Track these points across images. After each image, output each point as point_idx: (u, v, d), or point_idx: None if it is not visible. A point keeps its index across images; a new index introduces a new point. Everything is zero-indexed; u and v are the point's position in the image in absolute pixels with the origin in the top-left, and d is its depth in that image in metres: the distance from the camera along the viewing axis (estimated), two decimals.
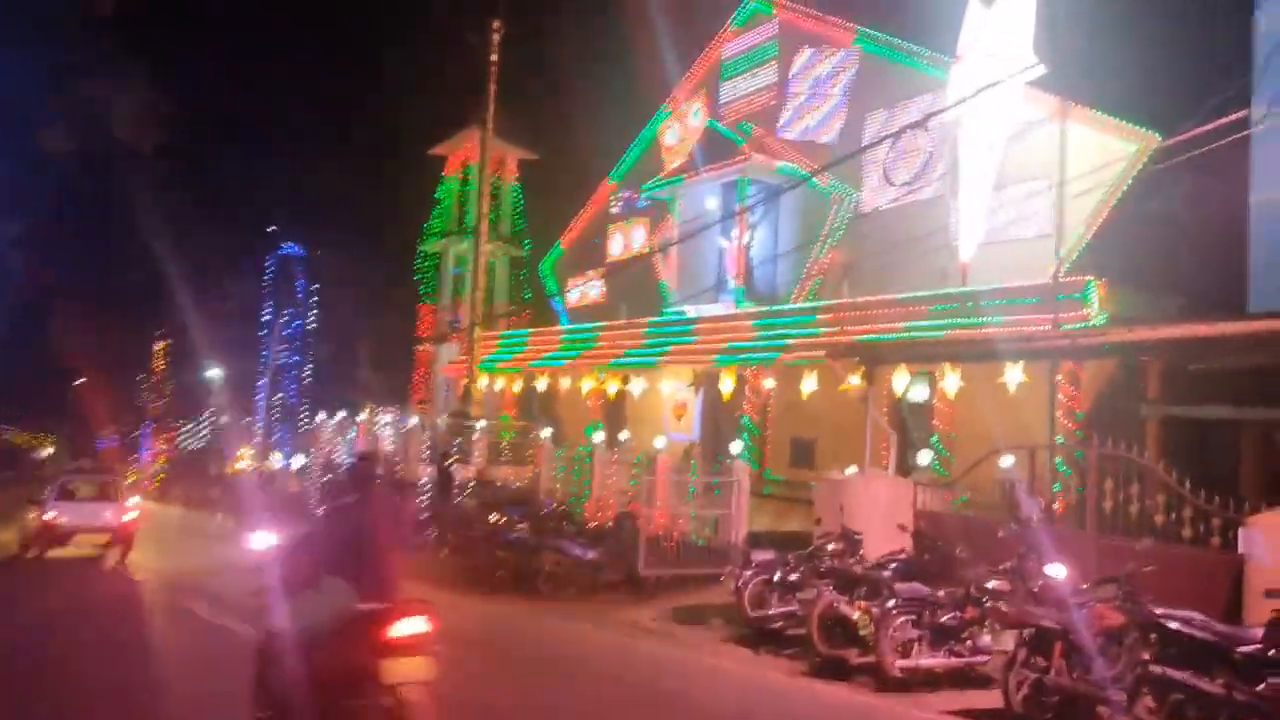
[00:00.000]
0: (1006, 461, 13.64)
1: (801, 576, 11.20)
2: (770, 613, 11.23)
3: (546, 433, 20.07)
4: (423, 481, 23.83)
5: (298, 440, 55.38)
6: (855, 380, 19.40)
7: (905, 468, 15.00)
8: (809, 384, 19.77)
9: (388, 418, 26.50)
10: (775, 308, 21.93)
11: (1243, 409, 12.60)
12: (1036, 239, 18.33)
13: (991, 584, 9.40)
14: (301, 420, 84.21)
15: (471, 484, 23.61)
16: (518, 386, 30.61)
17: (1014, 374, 15.69)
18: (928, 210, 20.81)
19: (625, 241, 30.85)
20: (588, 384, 27.09)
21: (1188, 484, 10.29)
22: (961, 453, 16.89)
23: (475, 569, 15.93)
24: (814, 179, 23.23)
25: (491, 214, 36.53)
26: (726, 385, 21.79)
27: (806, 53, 24.71)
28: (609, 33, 50.77)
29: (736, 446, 14.40)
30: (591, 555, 14.84)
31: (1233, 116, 14.52)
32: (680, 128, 29.00)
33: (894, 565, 10.66)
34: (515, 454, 25.83)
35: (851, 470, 12.62)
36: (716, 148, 25.44)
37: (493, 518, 18.23)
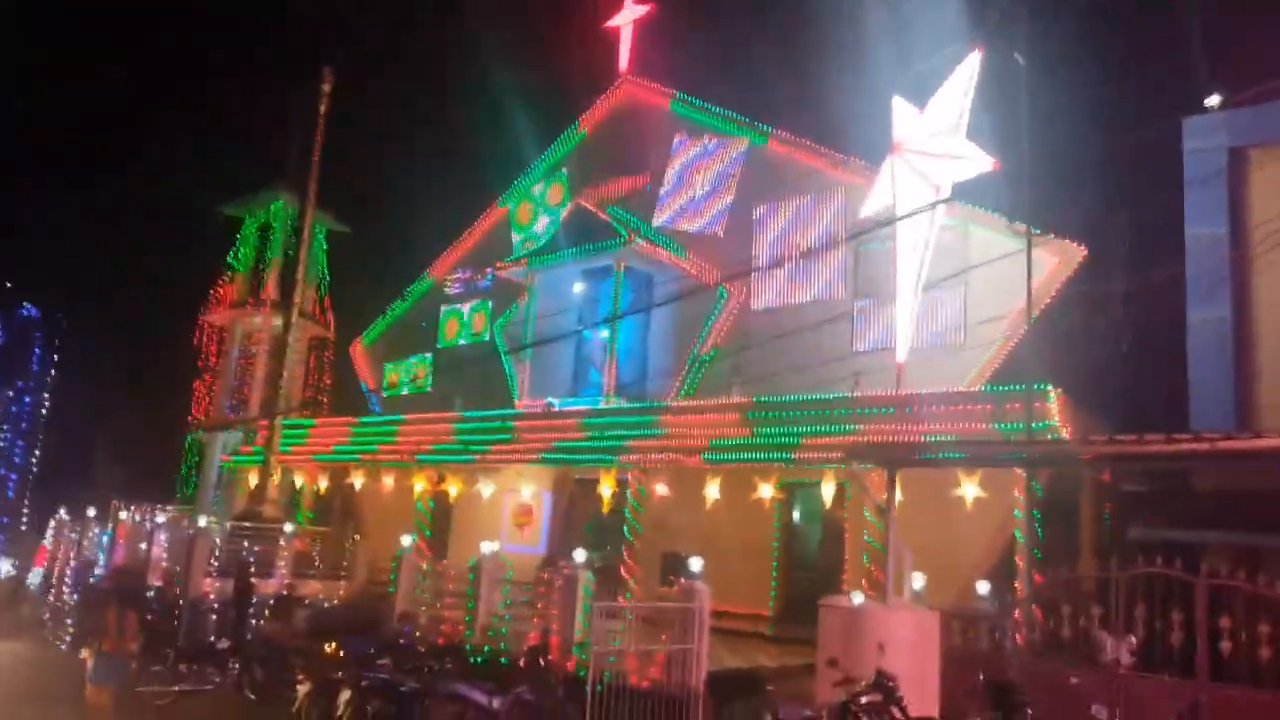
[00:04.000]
0: (983, 588, 11.88)
1: None
2: None
3: (408, 540, 16.36)
4: (209, 600, 18.98)
5: (18, 543, 45.60)
6: (768, 491, 17.46)
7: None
8: (713, 491, 17.54)
9: (161, 518, 21.36)
10: (690, 404, 19.50)
11: (1246, 535, 11.52)
12: (950, 348, 17.40)
13: None
14: (23, 519, 69.56)
15: (271, 603, 19.14)
16: (324, 484, 26.10)
17: (970, 488, 14.21)
18: (829, 311, 19.54)
19: (463, 326, 27.66)
20: (419, 485, 23.31)
21: None
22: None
23: None
24: (694, 275, 21.64)
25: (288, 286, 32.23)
26: (605, 490, 19.02)
27: (688, 143, 23.34)
28: (441, 103, 47.97)
29: (696, 564, 11.70)
30: (496, 704, 11.40)
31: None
32: (534, 208, 26.63)
33: None
34: (328, 565, 21.43)
35: (858, 598, 10.30)
36: (584, 231, 23.25)
37: (329, 647, 14.30)
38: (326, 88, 26.11)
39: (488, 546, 14.64)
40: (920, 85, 17.20)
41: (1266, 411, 14.18)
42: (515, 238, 26.80)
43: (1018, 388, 14.15)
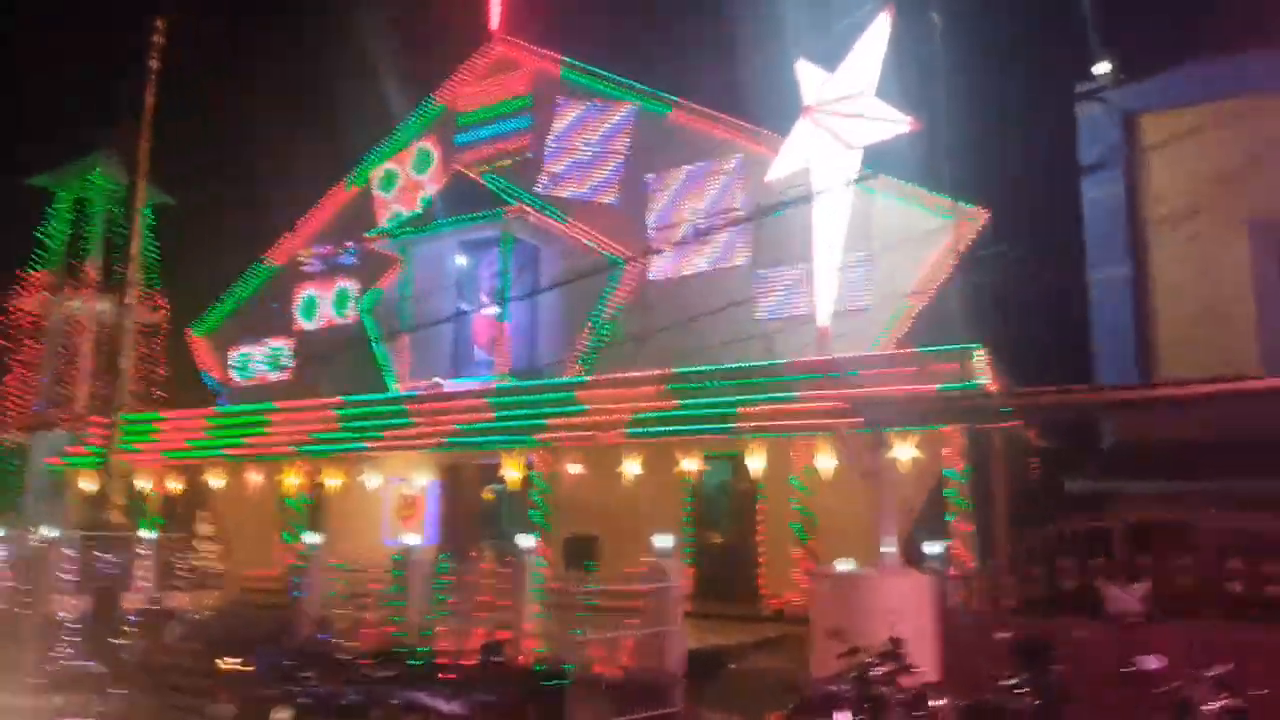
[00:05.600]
0: (933, 548, 11.88)
1: (873, 712, 8.23)
2: None
3: (314, 539, 14.74)
4: (64, 618, 16.70)
5: None
6: (693, 465, 16.92)
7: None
8: (632, 468, 16.90)
9: (1, 531, 18.58)
10: (614, 376, 18.45)
11: (1187, 482, 12.00)
12: (859, 310, 17.44)
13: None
14: None
15: (133, 618, 17.05)
16: (177, 486, 23.61)
17: (905, 449, 14.21)
18: (730, 279, 19.22)
19: (326, 304, 25.62)
20: (291, 480, 21.43)
21: None
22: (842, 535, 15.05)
23: None
24: (591, 243, 20.83)
25: (115, 265, 29.01)
26: (511, 473, 18.00)
27: (572, 106, 22.38)
28: (290, 59, 44.12)
29: (666, 540, 10.98)
30: (457, 708, 10.36)
31: None
32: (402, 174, 24.93)
33: (1009, 686, 8.11)
34: (198, 574, 19.32)
35: (846, 563, 9.95)
36: (463, 200, 21.91)
37: (224, 665, 12.76)
38: (158, 40, 23.39)
39: (413, 539, 13.43)
40: (828, 51, 17.08)
41: (1166, 365, 14.93)
42: (381, 209, 25.03)
43: (950, 347, 14.26)
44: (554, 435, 17.66)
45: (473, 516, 21.24)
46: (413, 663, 11.58)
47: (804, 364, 15.75)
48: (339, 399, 21.48)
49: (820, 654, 9.52)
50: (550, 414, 17.95)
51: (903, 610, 9.45)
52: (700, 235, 18.93)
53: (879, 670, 8.86)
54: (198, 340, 27.52)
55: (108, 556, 17.66)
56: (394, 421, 20.17)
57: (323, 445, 20.85)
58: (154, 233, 30.33)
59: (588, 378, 19.19)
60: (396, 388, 22.33)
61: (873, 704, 8.44)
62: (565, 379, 19.55)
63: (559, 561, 18.57)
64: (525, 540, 12.02)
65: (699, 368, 16.85)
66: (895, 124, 15.41)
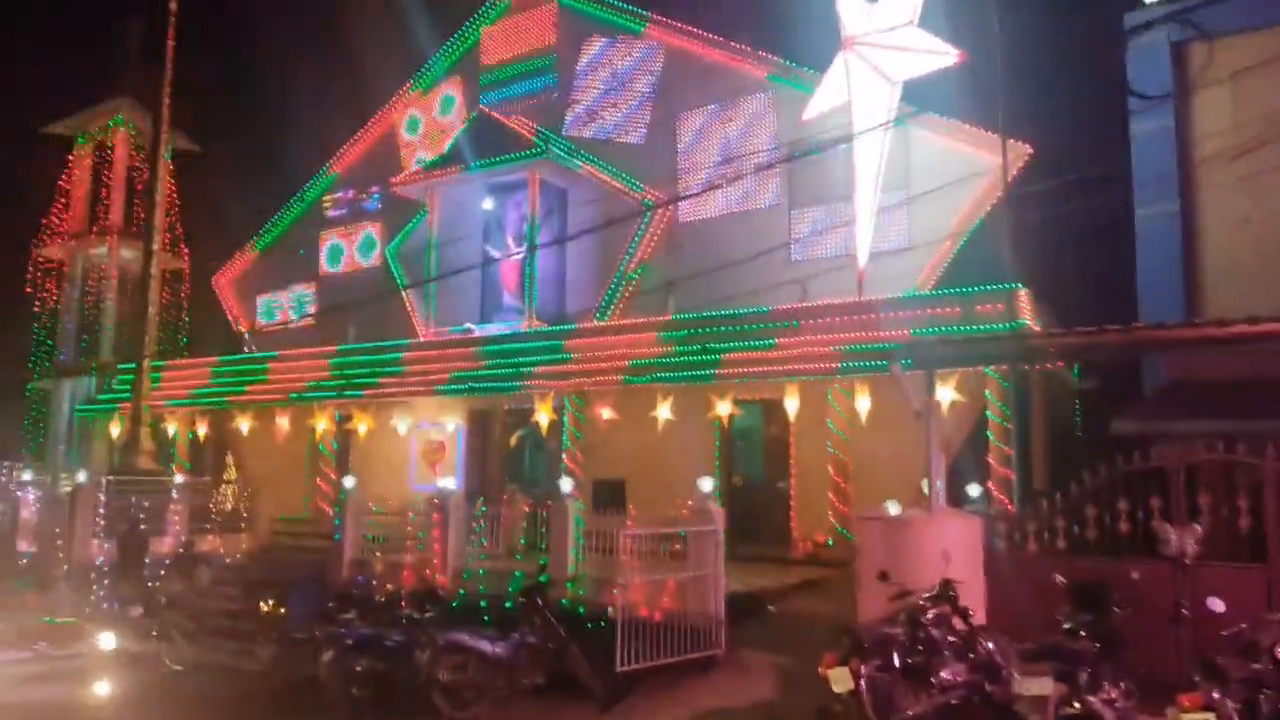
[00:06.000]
0: (974, 490, 11.65)
1: (926, 654, 8.11)
2: (911, 714, 7.93)
3: (350, 481, 14.69)
4: (99, 561, 16.86)
5: None
6: (726, 409, 16.75)
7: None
8: (664, 412, 16.74)
9: (27, 475, 18.68)
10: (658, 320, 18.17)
11: (1238, 422, 11.68)
12: (899, 251, 17.06)
13: None
14: None
15: (167, 562, 17.17)
16: (203, 431, 23.70)
17: (946, 392, 13.95)
18: (763, 220, 18.85)
19: (349, 251, 25.45)
20: (321, 425, 21.45)
21: None
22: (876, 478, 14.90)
23: (303, 691, 10.55)
24: (621, 184, 20.45)
25: (138, 212, 28.86)
26: (543, 418, 17.88)
27: (597, 44, 21.84)
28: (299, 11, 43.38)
29: (707, 484, 10.85)
30: (500, 650, 10.34)
31: None
32: (426, 118, 24.54)
33: (1068, 628, 7.96)
34: (227, 519, 19.41)
35: (893, 505, 9.77)
36: (490, 142, 21.53)
37: (265, 605, 12.83)
38: None
39: (445, 483, 13.34)
40: None
41: (1212, 304, 14.51)
42: (406, 153, 24.68)
43: (993, 287, 13.91)
44: (585, 379, 17.48)
45: (500, 461, 21.23)
46: (453, 604, 11.57)
47: (843, 305, 15.42)
48: (371, 344, 21.41)
49: (868, 596, 9.37)
50: (580, 357, 17.76)
51: (952, 552, 9.27)
52: (733, 175, 18.50)
53: (931, 613, 8.74)
54: (223, 287, 27.44)
55: (138, 501, 17.71)
56: (424, 365, 20.06)
57: (353, 389, 20.77)
58: (176, 179, 30.13)
59: (619, 321, 18.98)
60: (423, 333, 22.21)
61: (926, 646, 8.32)
62: (596, 323, 19.34)
63: (589, 505, 18.60)
64: (565, 483, 11.89)
65: (735, 310, 16.56)
66: (942, 56, 14.87)
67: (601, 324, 19.11)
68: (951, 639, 8.47)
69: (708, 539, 10.46)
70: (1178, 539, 8.71)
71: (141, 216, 28.28)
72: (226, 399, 22.88)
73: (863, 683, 7.96)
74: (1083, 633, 7.89)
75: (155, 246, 22.21)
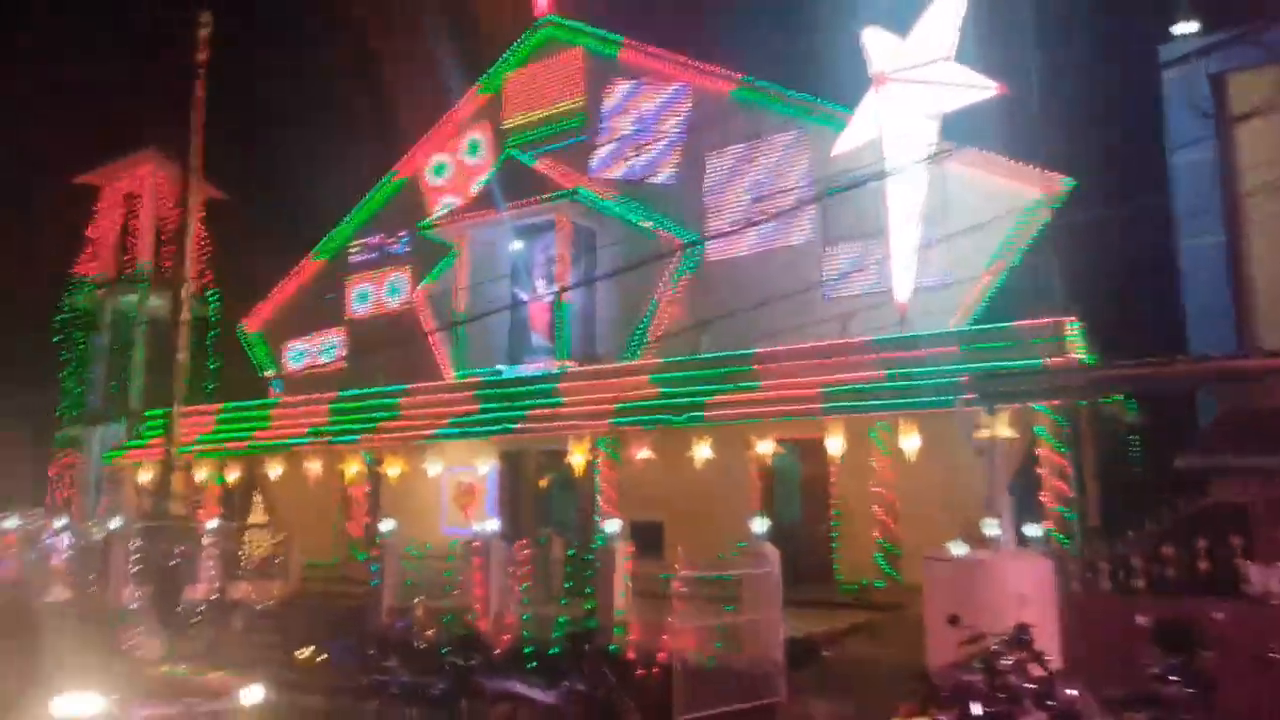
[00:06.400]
0: (1033, 530, 11.32)
1: (1007, 703, 7.77)
2: None
3: (388, 525, 14.49)
4: (133, 607, 16.62)
5: None
6: (768, 448, 16.47)
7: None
8: (704, 451, 16.48)
9: (61, 522, 18.56)
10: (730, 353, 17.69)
11: None
12: (938, 285, 16.85)
13: None
14: None
15: (201, 608, 16.94)
16: (233, 476, 23.55)
17: (998, 426, 13.65)
18: (795, 257, 18.73)
19: (376, 295, 25.45)
20: (353, 469, 21.28)
21: None
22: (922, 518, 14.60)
23: None
24: (650, 224, 20.39)
25: (165, 260, 29.03)
26: (577, 459, 17.65)
27: (622, 86, 21.92)
28: (331, 56, 43.91)
29: (760, 524, 10.58)
30: (550, 698, 10.03)
31: None
32: (452, 162, 24.64)
33: (1156, 674, 7.62)
34: (262, 565, 19.19)
35: (960, 548, 9.47)
36: (517, 185, 21.57)
37: (301, 654, 12.62)
38: (204, 33, 23.22)
39: (487, 525, 13.11)
40: (896, 16, 16.46)
41: (1266, 332, 14.25)
42: (431, 198, 24.77)
43: (1043, 320, 13.69)
44: (618, 419, 17.26)
45: (531, 504, 20.97)
46: (496, 651, 11.28)
47: (886, 340, 15.21)
48: (404, 386, 21.31)
49: (937, 641, 9.02)
50: (611, 397, 17.57)
51: (1025, 594, 8.96)
52: (763, 212, 18.41)
53: (1008, 659, 8.40)
54: (251, 332, 27.47)
55: (171, 546, 17.53)
56: (452, 407, 19.92)
57: (382, 432, 20.63)
58: (202, 226, 30.31)
59: (649, 360, 18.80)
60: (450, 375, 22.10)
61: (1005, 694, 7.98)
62: (626, 363, 19.16)
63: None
64: (611, 524, 11.62)
65: (771, 348, 16.37)
66: (981, 89, 14.76)
67: (632, 364, 18.94)
68: (1029, 686, 8.13)
69: (764, 581, 10.16)
70: (1261, 578, 8.38)
71: (169, 264, 28.48)
72: (252, 441, 22.78)
73: None
74: (1173, 677, 7.55)
75: (185, 293, 22.24)
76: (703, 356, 16.79)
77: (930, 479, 14.75)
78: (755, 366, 16.10)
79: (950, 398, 11.15)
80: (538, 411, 18.24)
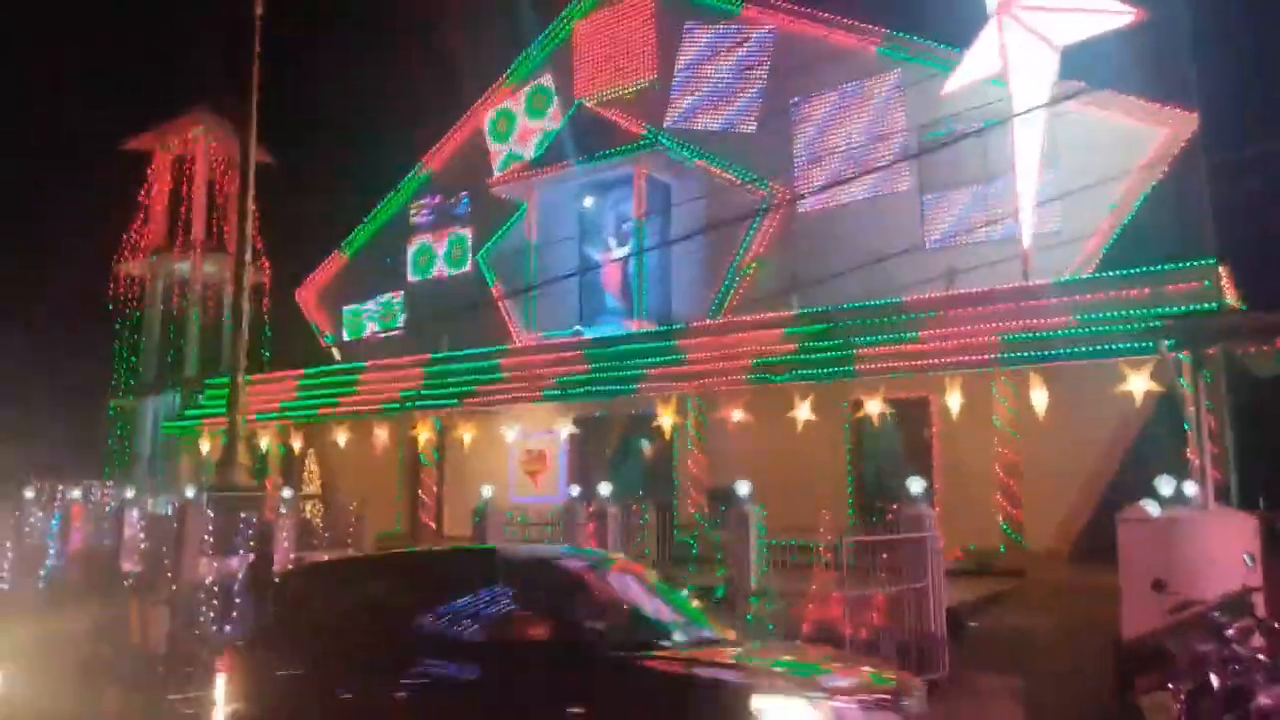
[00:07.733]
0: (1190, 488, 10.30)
1: (1242, 675, 6.89)
2: None
3: (487, 491, 13.71)
4: (208, 581, 16.01)
5: None
6: (876, 407, 15.49)
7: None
8: (803, 412, 15.58)
9: (129, 493, 18.02)
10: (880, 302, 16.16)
11: None
12: (1052, 234, 15.75)
13: None
14: None
15: (278, 581, 16.29)
16: (297, 445, 22.96)
17: (1139, 381, 12.64)
18: (891, 206, 17.68)
19: (438, 256, 24.64)
20: (423, 435, 20.59)
21: None
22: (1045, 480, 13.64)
23: None
24: (734, 175, 19.37)
25: (217, 227, 28.42)
26: (665, 422, 16.79)
27: (699, 31, 20.84)
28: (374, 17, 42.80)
29: (918, 484, 9.68)
30: None
31: None
32: (519, 115, 23.67)
33: None
34: (335, 535, 18.55)
35: (1151, 506, 8.54)
36: (589, 138, 20.60)
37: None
38: None
39: (574, 490, 12.31)
40: None
41: None
42: (494, 153, 23.86)
43: (1187, 264, 12.60)
44: (712, 379, 16.37)
45: (608, 469, 20.16)
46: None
47: (1009, 290, 14.16)
48: (473, 350, 20.51)
49: (1135, 609, 8.10)
50: (700, 357, 16.66)
51: (1232, 557, 7.98)
52: (861, 162, 17.36)
53: (1233, 627, 7.48)
54: (307, 298, 26.80)
55: (250, 517, 16.87)
56: (528, 370, 19.10)
57: (452, 399, 19.87)
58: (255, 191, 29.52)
59: (736, 318, 17.85)
60: (520, 338, 21.30)
61: (1242, 665, 7.08)
62: (716, 321, 18.23)
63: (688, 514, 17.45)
64: (741, 485, 10.78)
65: (876, 302, 15.37)
66: (1115, 15, 13.60)
67: (723, 321, 18.00)
68: (1260, 657, 7.22)
69: (924, 547, 9.26)
70: None
71: (223, 230, 27.83)
72: (319, 411, 22.14)
73: (1180, 709, 6.72)
74: None
75: (248, 257, 21.53)
76: (847, 307, 15.67)
77: (1055, 438, 13.74)
78: (906, 316, 14.94)
79: (1151, 342, 10.11)
80: (657, 370, 17.19)
